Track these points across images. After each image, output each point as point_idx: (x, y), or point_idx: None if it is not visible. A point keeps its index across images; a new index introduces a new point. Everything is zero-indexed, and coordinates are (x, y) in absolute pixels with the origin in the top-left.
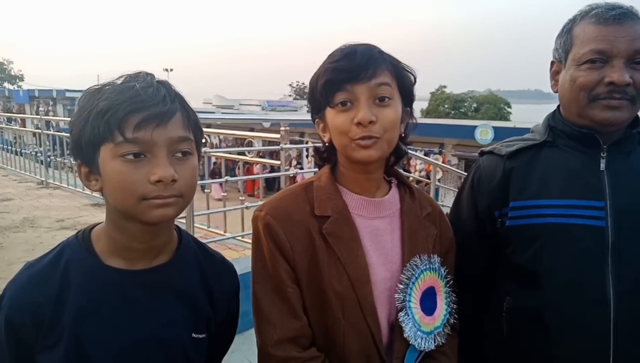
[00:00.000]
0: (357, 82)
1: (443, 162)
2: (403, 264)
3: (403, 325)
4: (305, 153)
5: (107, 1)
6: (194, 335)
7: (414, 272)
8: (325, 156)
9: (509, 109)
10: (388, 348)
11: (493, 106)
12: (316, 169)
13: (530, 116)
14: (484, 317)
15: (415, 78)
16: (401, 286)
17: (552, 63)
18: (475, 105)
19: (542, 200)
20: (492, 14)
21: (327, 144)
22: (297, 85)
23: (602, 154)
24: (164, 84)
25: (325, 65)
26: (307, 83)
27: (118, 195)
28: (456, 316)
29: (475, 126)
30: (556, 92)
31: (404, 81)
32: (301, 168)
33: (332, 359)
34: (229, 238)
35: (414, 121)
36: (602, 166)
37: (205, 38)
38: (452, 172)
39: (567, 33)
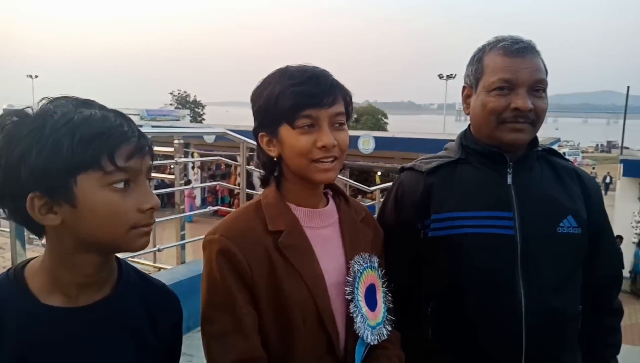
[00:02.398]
0: (320, 108)
1: None
2: (348, 268)
3: (354, 316)
4: (191, 165)
5: None
6: None
7: (359, 267)
8: (270, 169)
9: (386, 120)
10: (345, 352)
11: (372, 116)
12: (203, 184)
13: (405, 125)
14: (409, 321)
15: (351, 98)
16: (349, 279)
17: (464, 88)
18: (355, 116)
19: (460, 212)
20: (364, 28)
21: (275, 158)
22: (179, 93)
23: (508, 170)
24: (123, 114)
25: (287, 86)
26: (188, 91)
27: (106, 225)
28: (392, 316)
29: (358, 136)
30: (468, 114)
31: (348, 105)
32: (188, 181)
33: None
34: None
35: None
36: (509, 180)
37: (74, 43)
38: (338, 180)
39: (477, 62)
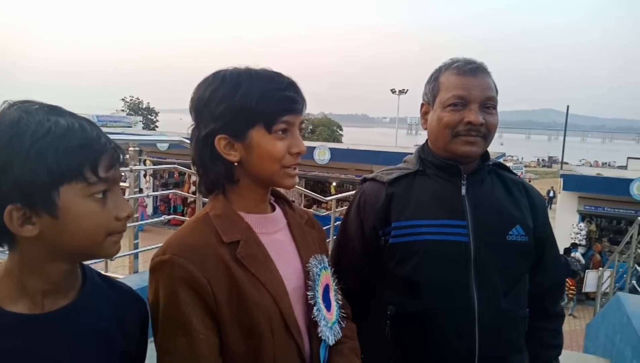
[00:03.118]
0: (296, 115)
1: None
2: (304, 271)
3: (317, 320)
4: (142, 173)
5: None
6: None
7: (317, 270)
8: (225, 175)
9: (340, 132)
10: (310, 356)
11: (327, 128)
12: (159, 192)
13: (359, 137)
14: (369, 325)
15: None
16: (310, 283)
17: (422, 105)
18: (311, 127)
19: (419, 220)
20: (318, 42)
21: (235, 163)
22: (131, 99)
23: (462, 182)
24: (95, 124)
25: (270, 89)
26: (141, 98)
27: (88, 234)
28: (343, 311)
29: (314, 147)
30: (425, 129)
31: None
32: (140, 189)
33: None
34: None
35: None
36: (463, 191)
37: (19, 41)
38: (294, 190)
39: (434, 81)
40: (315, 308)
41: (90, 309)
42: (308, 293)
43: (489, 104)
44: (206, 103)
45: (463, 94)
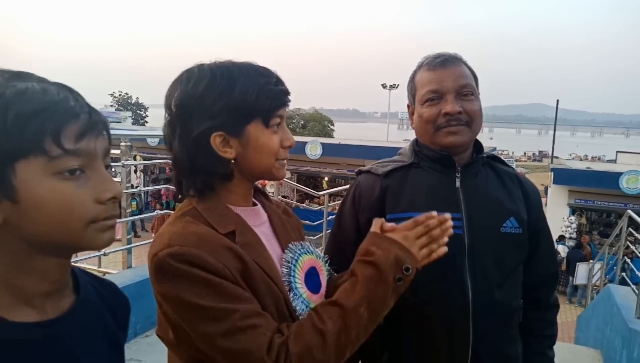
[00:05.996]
0: (286, 108)
1: None
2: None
3: (294, 304)
4: (133, 169)
5: None
6: None
7: (292, 255)
8: (222, 173)
9: (332, 127)
10: None
11: (318, 123)
12: (157, 186)
13: (350, 133)
14: None
15: None
16: (284, 269)
17: (408, 106)
18: (302, 122)
19: (413, 213)
20: (307, 36)
21: (232, 160)
22: (120, 95)
23: (457, 175)
24: (68, 86)
25: (265, 83)
26: (130, 93)
27: (58, 222)
28: None
29: (306, 142)
30: (414, 128)
31: None
32: (131, 185)
33: None
34: None
35: None
36: (457, 183)
37: (8, 36)
38: (286, 184)
39: (411, 81)
40: (291, 293)
41: (92, 307)
42: (283, 279)
43: (465, 91)
44: (199, 99)
45: (436, 87)
